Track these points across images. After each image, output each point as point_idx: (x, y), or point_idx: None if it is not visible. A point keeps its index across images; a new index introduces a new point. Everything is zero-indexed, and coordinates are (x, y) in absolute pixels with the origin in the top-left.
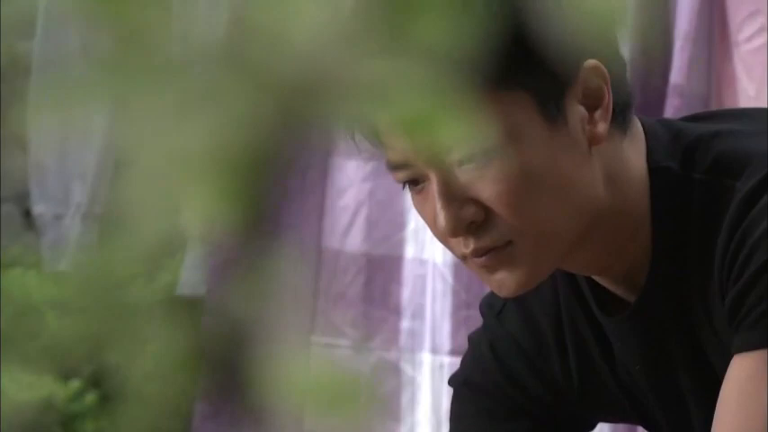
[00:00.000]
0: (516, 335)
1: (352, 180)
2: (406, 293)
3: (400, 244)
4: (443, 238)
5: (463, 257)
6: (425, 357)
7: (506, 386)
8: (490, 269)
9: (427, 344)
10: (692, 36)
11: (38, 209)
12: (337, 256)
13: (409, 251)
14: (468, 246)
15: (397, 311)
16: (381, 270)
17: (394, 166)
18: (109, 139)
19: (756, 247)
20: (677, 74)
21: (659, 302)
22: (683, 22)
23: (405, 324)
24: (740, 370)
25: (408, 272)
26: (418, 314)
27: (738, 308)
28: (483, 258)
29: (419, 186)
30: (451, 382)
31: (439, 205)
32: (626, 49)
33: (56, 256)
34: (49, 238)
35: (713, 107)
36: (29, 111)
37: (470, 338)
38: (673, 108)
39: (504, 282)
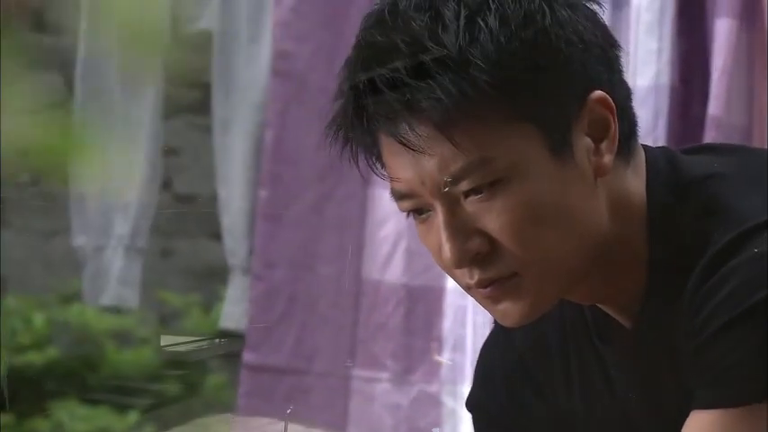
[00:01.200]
0: (524, 354)
1: (392, 211)
2: (447, 325)
3: (441, 275)
4: (448, 268)
5: (467, 288)
6: (466, 389)
7: (514, 414)
8: (494, 299)
9: (468, 376)
10: (729, 67)
11: (78, 240)
12: (377, 287)
13: (450, 282)
14: (473, 277)
15: (438, 343)
16: (422, 301)
17: (399, 196)
18: (152, 170)
19: (719, 307)
20: (715, 105)
21: (652, 331)
22: (719, 52)
23: (446, 356)
24: (697, 426)
25: (449, 303)
26: (459, 346)
27: (697, 361)
28: (488, 289)
29: (423, 216)
30: (467, 405)
31: (444, 237)
32: (666, 77)
33: (96, 289)
34: (89, 271)
35: (755, 139)
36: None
37: (481, 351)
38: (710, 140)
39: (508, 312)
